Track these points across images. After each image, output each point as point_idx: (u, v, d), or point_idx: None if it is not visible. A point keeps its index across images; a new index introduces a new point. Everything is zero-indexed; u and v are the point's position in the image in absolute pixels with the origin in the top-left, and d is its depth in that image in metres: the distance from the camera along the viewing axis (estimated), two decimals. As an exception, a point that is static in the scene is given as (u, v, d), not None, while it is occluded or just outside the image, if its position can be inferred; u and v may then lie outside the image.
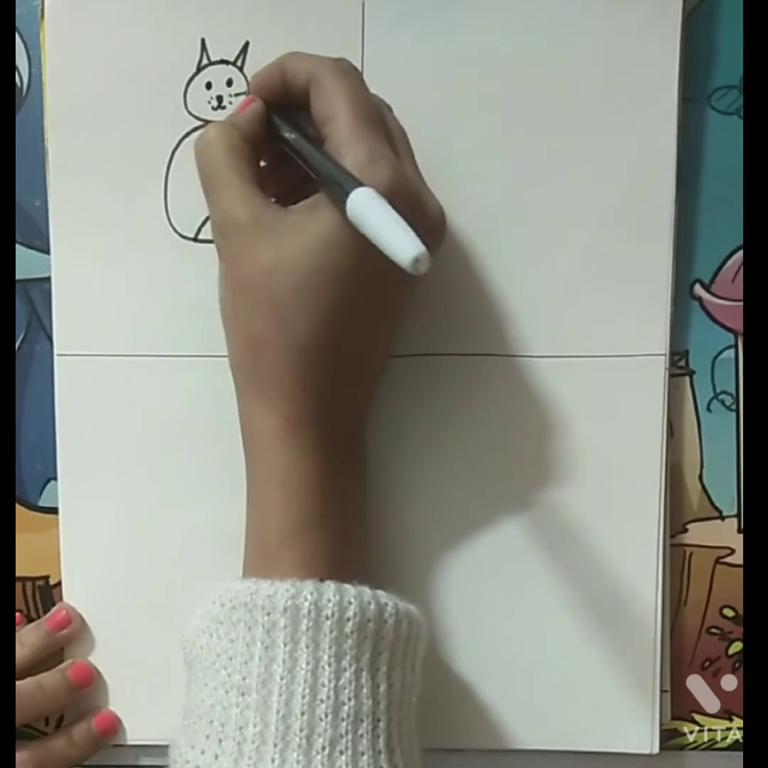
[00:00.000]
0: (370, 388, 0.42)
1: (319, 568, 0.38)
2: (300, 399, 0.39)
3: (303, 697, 0.36)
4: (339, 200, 0.36)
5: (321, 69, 0.39)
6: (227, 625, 0.37)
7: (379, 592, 0.38)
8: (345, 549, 0.40)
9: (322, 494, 0.39)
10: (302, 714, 0.35)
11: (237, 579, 0.39)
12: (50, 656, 0.46)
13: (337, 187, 0.36)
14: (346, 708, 0.36)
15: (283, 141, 0.40)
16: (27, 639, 0.45)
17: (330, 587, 0.37)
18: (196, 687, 0.38)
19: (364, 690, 0.37)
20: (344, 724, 0.36)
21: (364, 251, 0.36)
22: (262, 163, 0.41)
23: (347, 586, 0.37)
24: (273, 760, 0.35)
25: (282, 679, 0.36)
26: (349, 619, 0.36)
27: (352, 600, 0.37)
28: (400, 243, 0.33)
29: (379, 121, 0.39)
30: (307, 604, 0.36)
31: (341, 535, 0.39)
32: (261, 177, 0.40)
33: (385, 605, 0.37)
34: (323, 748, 0.35)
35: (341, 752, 0.36)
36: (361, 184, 0.35)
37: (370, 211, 0.34)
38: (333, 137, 0.38)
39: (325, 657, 0.36)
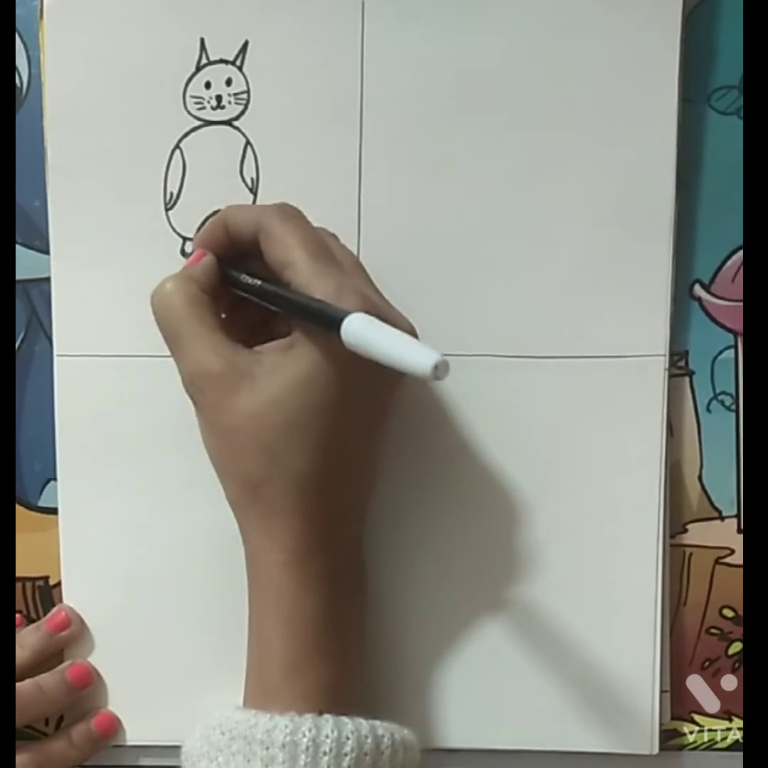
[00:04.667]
0: (366, 507, 0.42)
1: (318, 701, 0.38)
2: (303, 531, 0.39)
3: None
4: (320, 335, 0.36)
5: (266, 217, 0.39)
6: (226, 755, 0.37)
7: (376, 723, 0.38)
8: (345, 678, 0.40)
9: (326, 626, 0.39)
10: None
11: (238, 708, 0.39)
12: (50, 658, 0.46)
13: (323, 320, 0.36)
14: None
15: (243, 288, 0.40)
16: (27, 641, 0.45)
17: (328, 722, 0.37)
18: None
19: None
20: None
21: (347, 381, 0.37)
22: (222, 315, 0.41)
23: (345, 719, 0.37)
24: None
25: None
26: (346, 754, 0.36)
27: (350, 735, 0.37)
28: (416, 356, 0.32)
29: (331, 255, 0.39)
30: (305, 740, 0.36)
31: (342, 665, 0.39)
32: (223, 326, 0.40)
33: (381, 737, 0.37)
34: None
35: None
36: (348, 313, 0.35)
37: (372, 334, 0.34)
38: (296, 281, 0.38)
39: None
